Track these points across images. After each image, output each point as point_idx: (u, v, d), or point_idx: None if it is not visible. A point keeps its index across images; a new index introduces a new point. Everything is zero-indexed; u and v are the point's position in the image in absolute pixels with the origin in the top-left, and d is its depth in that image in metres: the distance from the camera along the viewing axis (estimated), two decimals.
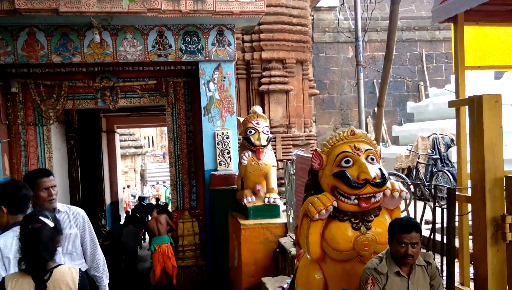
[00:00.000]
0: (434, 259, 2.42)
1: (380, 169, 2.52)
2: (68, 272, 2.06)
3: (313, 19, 10.48)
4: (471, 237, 2.58)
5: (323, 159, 2.60)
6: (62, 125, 7.37)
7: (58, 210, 2.82)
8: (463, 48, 2.69)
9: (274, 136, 7.41)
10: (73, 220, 2.87)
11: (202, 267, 6.55)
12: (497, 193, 2.34)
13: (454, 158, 6.73)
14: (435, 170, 6.70)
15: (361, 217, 2.52)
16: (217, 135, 6.33)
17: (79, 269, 2.14)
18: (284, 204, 5.63)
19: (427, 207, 3.06)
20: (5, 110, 6.18)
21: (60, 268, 2.06)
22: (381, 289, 2.25)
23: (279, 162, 6.63)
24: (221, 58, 6.35)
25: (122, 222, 10.83)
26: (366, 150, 2.56)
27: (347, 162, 2.52)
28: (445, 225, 2.63)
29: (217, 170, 6.30)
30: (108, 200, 11.35)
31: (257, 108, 5.53)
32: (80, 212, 2.95)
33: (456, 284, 2.71)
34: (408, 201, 3.75)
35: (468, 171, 2.58)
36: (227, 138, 6.35)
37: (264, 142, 5.23)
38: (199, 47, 6.29)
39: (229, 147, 6.35)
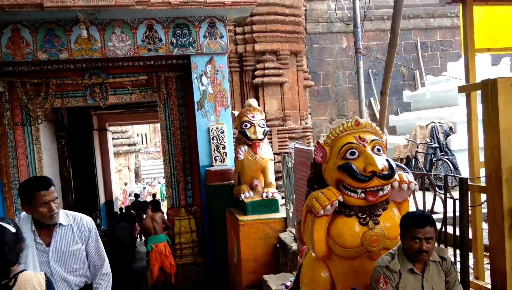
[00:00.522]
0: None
1: (387, 160, 2.37)
2: (34, 277, 2.00)
3: (306, 10, 10.28)
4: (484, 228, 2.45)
5: (326, 152, 2.45)
6: (51, 124, 7.16)
7: (60, 224, 2.54)
8: (473, 30, 2.54)
9: (270, 129, 7.27)
10: (77, 233, 2.59)
11: (201, 265, 6.46)
12: None
13: (453, 146, 6.64)
14: (434, 159, 6.60)
15: (368, 212, 2.38)
16: (211, 130, 6.18)
17: (45, 274, 2.05)
18: (283, 198, 5.51)
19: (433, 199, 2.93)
20: None
21: (25, 273, 1.99)
22: (394, 287, 2.11)
23: (275, 156, 6.50)
24: (213, 51, 6.17)
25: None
26: (372, 140, 2.42)
27: (352, 153, 2.37)
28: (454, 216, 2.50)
29: (213, 166, 6.17)
30: (102, 199, 11.22)
31: (252, 101, 5.38)
32: (86, 223, 2.66)
33: (470, 278, 2.59)
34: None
35: (481, 159, 2.44)
36: (222, 132, 6.21)
37: (260, 136, 5.11)
38: (191, 40, 6.11)
39: (224, 142, 6.21)
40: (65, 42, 5.81)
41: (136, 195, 13.99)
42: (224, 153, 6.22)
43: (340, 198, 2.36)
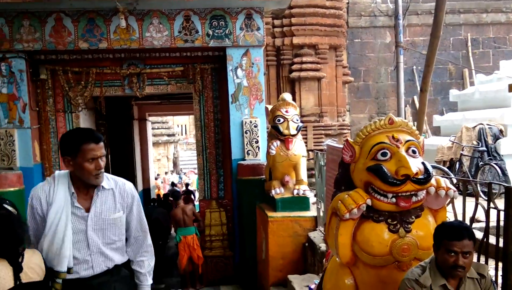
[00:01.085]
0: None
1: (423, 163, 2.17)
2: (35, 254, 2.06)
3: (348, 3, 9.95)
4: None
5: (356, 151, 2.27)
6: (91, 112, 7.36)
7: (102, 187, 2.21)
8: None
9: (305, 125, 7.10)
10: (119, 199, 2.25)
11: (230, 258, 6.44)
12: None
13: (503, 151, 6.19)
14: (481, 163, 6.17)
15: (399, 218, 2.19)
16: (245, 124, 6.10)
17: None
18: (314, 196, 5.36)
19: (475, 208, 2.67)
20: (34, 97, 6.19)
21: (27, 251, 2.03)
22: None
23: (309, 152, 6.33)
24: (249, 43, 6.06)
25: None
26: (407, 141, 2.21)
27: (384, 154, 2.18)
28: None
29: (245, 160, 6.09)
30: (140, 187, 11.46)
31: (286, 96, 5.24)
32: (129, 188, 2.32)
33: None
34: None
35: None
36: (255, 126, 6.11)
37: (293, 131, 4.96)
38: (227, 32, 6.03)
39: (257, 136, 6.11)
40: (104, 32, 5.91)
41: (173, 184, 14.32)
42: (257, 148, 6.13)
43: (369, 201, 2.19)
